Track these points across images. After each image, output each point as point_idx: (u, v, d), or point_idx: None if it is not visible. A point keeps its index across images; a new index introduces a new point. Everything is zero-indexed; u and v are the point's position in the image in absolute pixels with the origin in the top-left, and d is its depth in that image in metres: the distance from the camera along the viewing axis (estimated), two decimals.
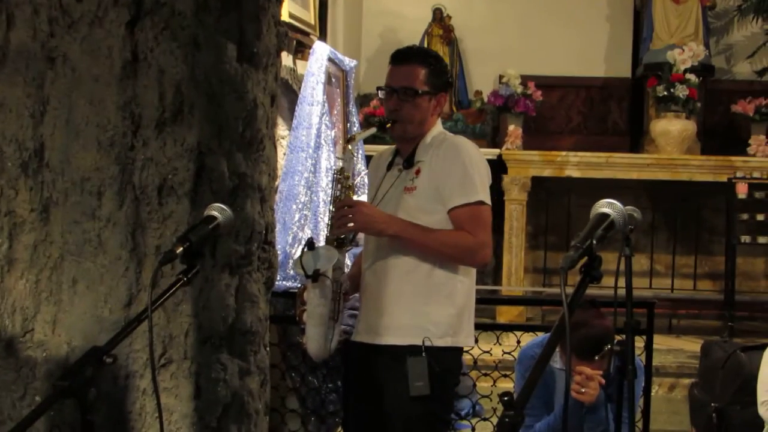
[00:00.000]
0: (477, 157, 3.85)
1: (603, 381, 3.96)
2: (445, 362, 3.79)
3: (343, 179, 3.86)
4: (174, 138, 3.25)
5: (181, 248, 2.65)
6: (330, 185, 5.63)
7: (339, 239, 3.80)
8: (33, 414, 2.36)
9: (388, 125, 3.87)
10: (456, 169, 3.77)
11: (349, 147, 3.92)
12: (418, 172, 3.84)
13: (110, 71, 3.25)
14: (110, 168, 3.25)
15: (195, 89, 3.26)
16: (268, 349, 3.69)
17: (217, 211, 2.83)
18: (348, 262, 4.28)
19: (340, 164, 3.95)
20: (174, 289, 2.67)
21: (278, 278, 4.26)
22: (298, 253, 5.31)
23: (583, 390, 3.97)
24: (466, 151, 3.82)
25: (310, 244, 3.72)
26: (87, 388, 2.38)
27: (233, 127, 3.36)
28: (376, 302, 3.85)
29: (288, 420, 5.08)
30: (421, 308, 3.78)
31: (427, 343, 3.71)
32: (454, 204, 3.75)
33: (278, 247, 4.28)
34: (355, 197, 3.93)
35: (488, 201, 3.82)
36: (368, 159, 3.91)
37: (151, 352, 2.65)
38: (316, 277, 3.66)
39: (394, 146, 4.03)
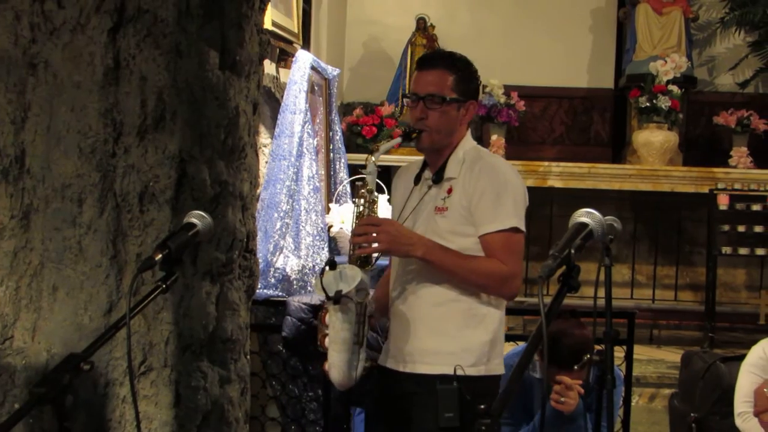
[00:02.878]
0: (513, 179, 3.62)
1: (582, 391, 3.97)
2: (479, 391, 3.44)
3: (366, 194, 3.60)
4: (155, 145, 3.25)
5: (160, 255, 2.64)
6: (311, 194, 5.63)
7: (362, 258, 3.54)
8: (9, 421, 2.35)
9: (414, 135, 3.63)
10: (490, 192, 3.53)
11: (372, 159, 3.58)
12: (449, 191, 3.60)
13: (92, 78, 3.25)
14: (91, 175, 3.25)
15: (177, 96, 3.26)
16: (248, 357, 3.69)
17: (197, 218, 2.82)
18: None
19: (364, 178, 3.62)
20: (152, 296, 2.66)
21: (259, 286, 4.25)
22: (279, 261, 5.31)
23: (563, 399, 3.98)
24: (501, 172, 3.59)
25: (332, 263, 3.46)
26: (64, 395, 2.38)
27: (215, 135, 3.36)
28: (405, 328, 3.64)
29: (268, 428, 5.07)
30: (454, 334, 3.57)
31: (459, 372, 3.43)
32: (487, 230, 3.53)
33: (259, 255, 4.28)
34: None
35: (522, 227, 3.57)
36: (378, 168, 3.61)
37: (129, 360, 2.65)
38: (338, 299, 3.39)
39: (422, 158, 3.80)
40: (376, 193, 3.64)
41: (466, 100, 3.65)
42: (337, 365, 3.49)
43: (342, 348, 3.47)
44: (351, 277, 3.44)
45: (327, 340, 3.52)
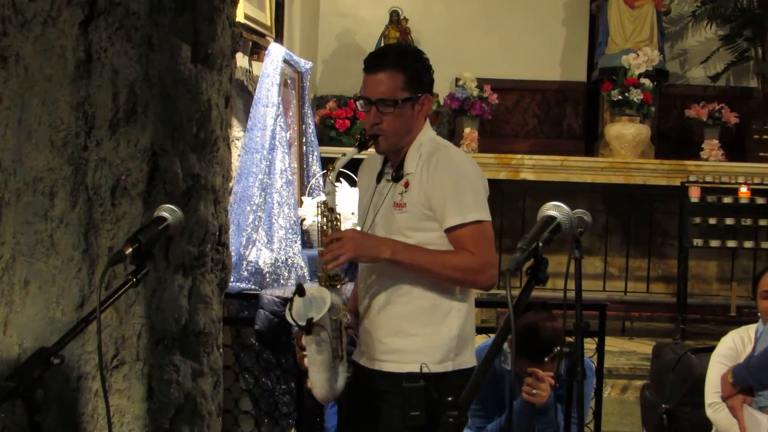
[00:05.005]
0: (470, 170, 3.56)
1: (554, 382, 3.99)
2: (447, 388, 3.38)
3: (327, 212, 3.55)
4: (127, 139, 3.25)
5: (131, 249, 2.64)
6: (284, 187, 5.63)
7: (331, 276, 3.53)
8: None
9: (370, 143, 3.56)
10: (449, 187, 3.48)
11: (330, 178, 3.55)
12: (407, 185, 3.55)
13: (63, 71, 3.23)
14: (63, 168, 3.24)
15: (149, 90, 3.25)
16: (221, 350, 3.69)
17: (167, 212, 2.82)
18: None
19: (324, 198, 3.62)
20: (123, 290, 2.66)
21: (232, 280, 4.25)
22: (252, 254, 5.31)
23: (535, 392, 4.00)
24: (458, 165, 3.54)
25: (300, 290, 3.44)
26: (34, 389, 2.38)
27: (187, 128, 3.36)
28: (371, 326, 3.63)
29: (241, 421, 5.07)
30: (418, 332, 3.54)
31: (425, 370, 3.43)
32: (450, 224, 3.47)
33: (232, 248, 4.28)
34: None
35: (485, 217, 3.51)
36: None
37: (100, 353, 2.64)
38: (309, 328, 3.35)
39: None
40: (338, 212, 3.60)
41: (419, 96, 3.59)
42: (319, 385, 3.51)
43: (322, 368, 3.48)
44: (321, 300, 3.41)
45: (306, 360, 3.51)
